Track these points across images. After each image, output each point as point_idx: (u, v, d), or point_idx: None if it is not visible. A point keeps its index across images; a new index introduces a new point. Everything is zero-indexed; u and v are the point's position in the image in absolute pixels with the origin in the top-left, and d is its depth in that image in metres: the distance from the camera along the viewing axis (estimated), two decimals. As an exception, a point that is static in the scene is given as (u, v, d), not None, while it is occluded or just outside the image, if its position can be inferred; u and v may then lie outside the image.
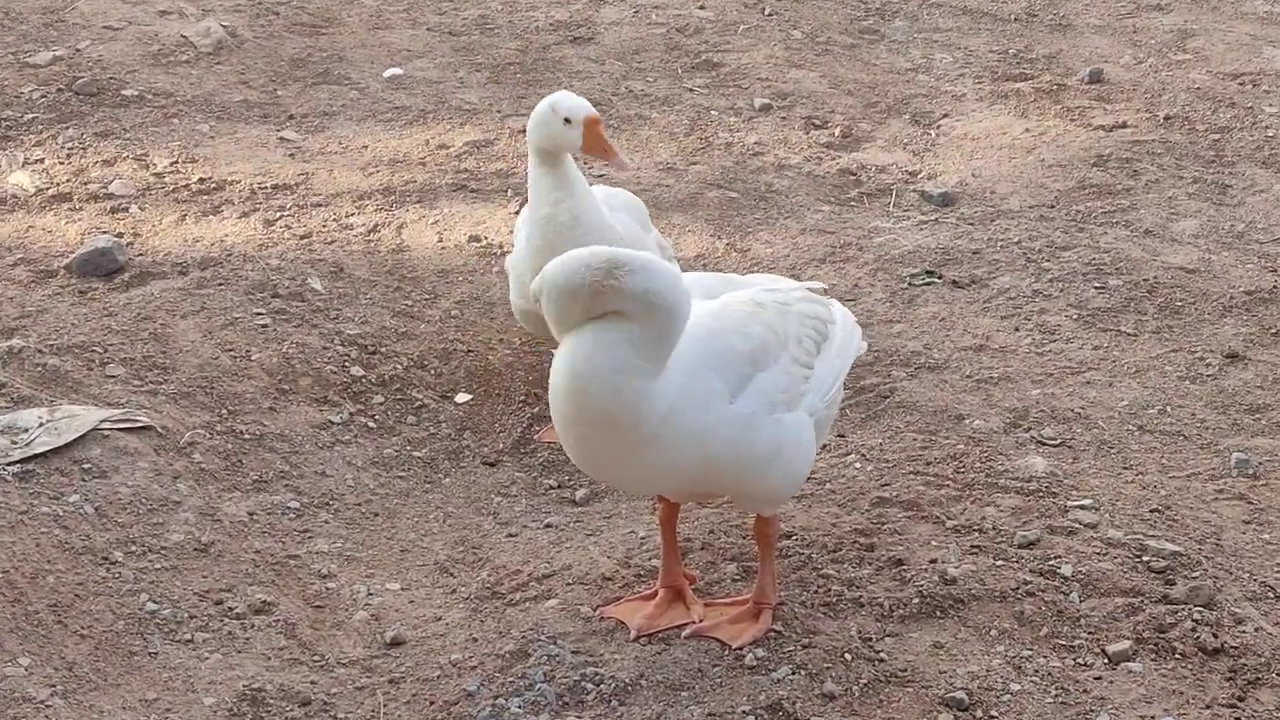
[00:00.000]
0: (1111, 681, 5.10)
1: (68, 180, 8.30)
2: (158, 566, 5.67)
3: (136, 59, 9.74)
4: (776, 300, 5.17)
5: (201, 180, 8.39)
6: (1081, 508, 5.90)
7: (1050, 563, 5.57)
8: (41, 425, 6.10)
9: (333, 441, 6.55)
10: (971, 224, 8.32)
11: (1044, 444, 6.44)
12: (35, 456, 5.97)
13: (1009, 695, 5.02)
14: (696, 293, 5.08)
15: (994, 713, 4.96)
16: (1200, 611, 5.33)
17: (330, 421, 6.63)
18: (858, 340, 5.62)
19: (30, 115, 8.95)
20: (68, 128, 8.85)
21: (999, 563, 5.58)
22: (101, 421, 6.15)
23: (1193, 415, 6.71)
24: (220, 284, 7.27)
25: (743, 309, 5.07)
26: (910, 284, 7.73)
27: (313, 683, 5.27)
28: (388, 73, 9.86)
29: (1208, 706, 4.98)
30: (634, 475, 5.02)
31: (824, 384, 5.28)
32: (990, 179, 8.85)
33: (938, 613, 5.38)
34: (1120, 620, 5.34)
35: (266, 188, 8.35)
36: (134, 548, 5.71)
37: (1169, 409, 6.75)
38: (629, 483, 5.25)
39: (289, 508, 6.15)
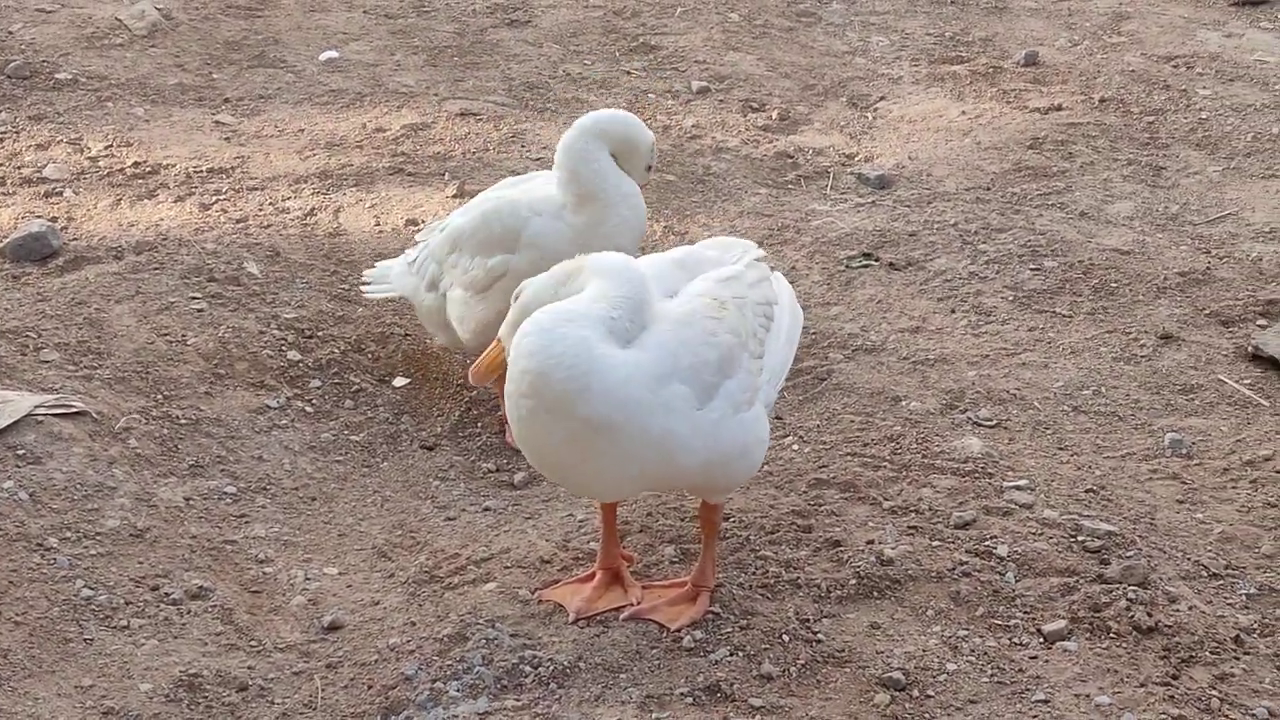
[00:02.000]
0: (1047, 660, 5.13)
1: (0, 164, 8.23)
2: (93, 552, 5.63)
3: (70, 42, 9.66)
4: (735, 296, 5.16)
5: (136, 164, 8.33)
6: (1017, 488, 5.93)
7: (986, 543, 5.60)
8: (-25, 411, 6.06)
9: (270, 426, 6.52)
10: (908, 206, 8.35)
11: (980, 425, 6.47)
12: (-31, 442, 5.93)
13: (945, 675, 5.05)
14: (652, 286, 5.10)
15: (930, 692, 4.99)
16: (1135, 591, 5.36)
17: (267, 406, 6.60)
18: (799, 320, 5.65)
19: (-38, 99, 8.90)
20: (0, 112, 8.77)
21: (935, 543, 5.60)
22: (36, 407, 6.11)
23: (1127, 396, 6.76)
24: (155, 268, 7.23)
25: (709, 315, 5.04)
26: (847, 266, 7.75)
27: (250, 668, 5.25)
28: (324, 56, 9.82)
29: (1142, 685, 5.01)
30: (601, 477, 4.96)
31: (775, 374, 5.32)
32: (927, 161, 8.88)
33: (875, 593, 5.40)
34: (1055, 600, 5.37)
35: (202, 171, 8.31)
36: (69, 534, 5.67)
37: (1104, 390, 6.79)
38: (598, 485, 5.09)
39: (226, 493, 6.12)
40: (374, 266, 7.01)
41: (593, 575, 5.44)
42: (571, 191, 6.28)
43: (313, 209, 7.98)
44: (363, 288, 6.98)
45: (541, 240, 6.25)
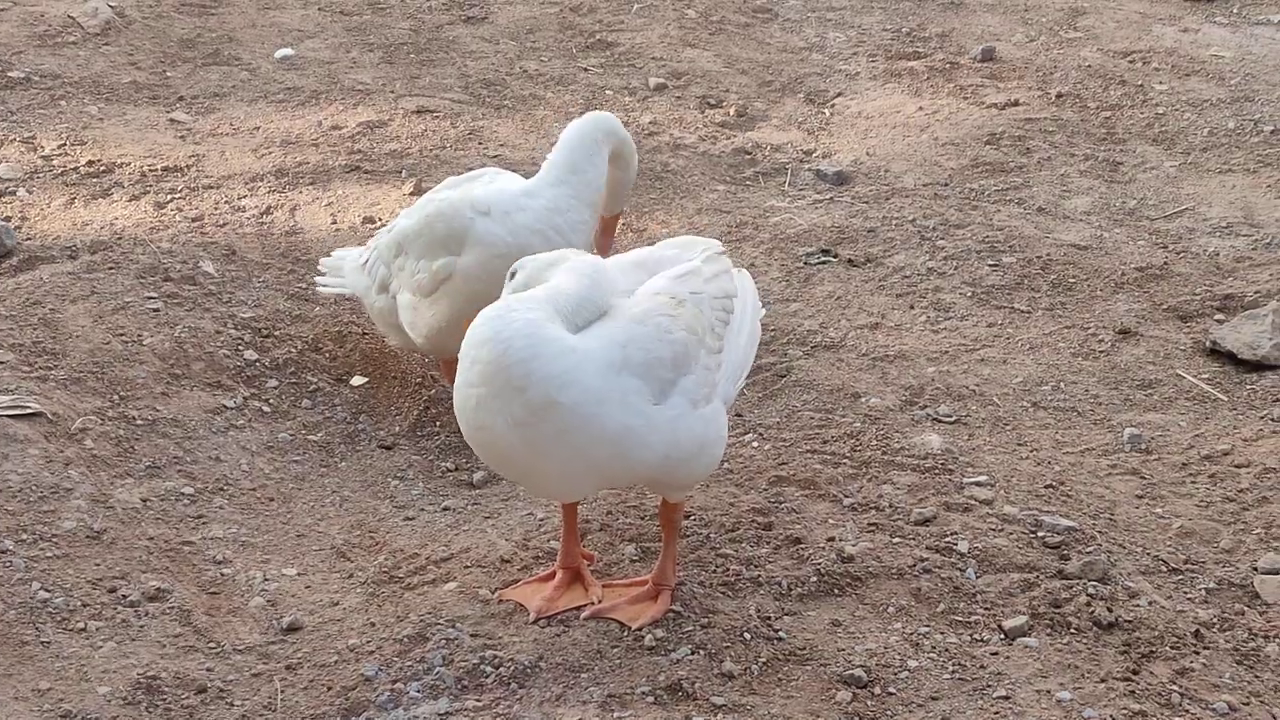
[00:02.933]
0: (1008, 656, 5.13)
1: (-47, 163, 8.19)
2: (49, 554, 5.59)
3: (22, 40, 9.60)
4: (692, 292, 5.15)
5: (91, 163, 8.28)
6: (977, 484, 5.93)
7: (946, 539, 5.60)
8: (-72, 413, 6.02)
9: (227, 426, 6.48)
10: (866, 202, 8.35)
11: (940, 421, 6.47)
12: (-78, 444, 5.88)
13: (907, 672, 5.04)
14: (611, 292, 5.11)
15: (892, 689, 4.98)
16: (1095, 586, 5.37)
17: (224, 406, 6.57)
18: (759, 315, 5.64)
19: (-86, 97, 8.83)
20: (-47, 110, 8.73)
21: (896, 540, 5.60)
22: (-10, 408, 6.07)
23: (1086, 391, 6.77)
24: (111, 268, 7.18)
25: (664, 312, 5.01)
26: (806, 263, 7.75)
27: (209, 670, 5.22)
28: (279, 53, 9.77)
29: (1103, 680, 5.02)
30: (559, 471, 4.93)
31: (735, 370, 5.30)
32: (884, 157, 8.88)
33: (836, 591, 5.40)
34: (1016, 595, 5.37)
35: (157, 170, 8.26)
36: (25, 535, 5.62)
37: (1062, 385, 6.80)
38: (555, 482, 5.05)
39: (183, 494, 6.08)
40: (329, 255, 6.97)
41: (553, 574, 5.42)
42: (566, 167, 6.28)
43: (269, 207, 7.94)
44: (317, 279, 6.94)
45: (487, 239, 6.22)
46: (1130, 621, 5.26)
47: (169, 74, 9.43)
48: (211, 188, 8.12)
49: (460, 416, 4.93)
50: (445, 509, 6.12)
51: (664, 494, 5.26)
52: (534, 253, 5.46)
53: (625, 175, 6.51)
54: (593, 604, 5.30)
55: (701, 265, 5.30)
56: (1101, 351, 7.05)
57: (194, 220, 7.76)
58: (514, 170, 6.98)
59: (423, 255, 6.33)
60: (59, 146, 8.43)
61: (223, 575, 5.72)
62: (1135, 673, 5.06)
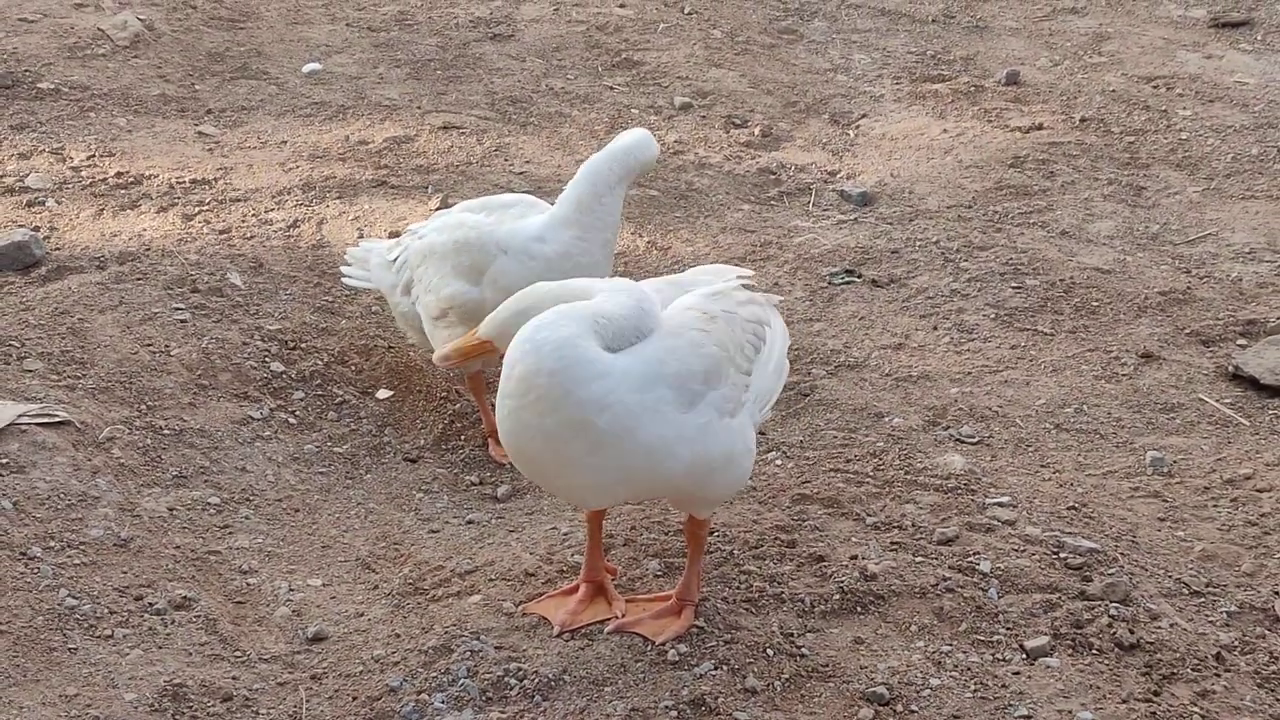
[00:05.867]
0: (1029, 676, 5.15)
1: (-17, 173, 8.24)
2: (77, 562, 5.62)
3: (52, 52, 9.66)
4: (725, 309, 5.18)
5: (119, 174, 8.33)
6: (1000, 505, 5.95)
7: (969, 559, 5.62)
8: (-42, 420, 6.05)
9: (253, 437, 6.52)
10: (890, 224, 8.38)
11: (962, 442, 6.49)
12: (-48, 451, 5.92)
13: (929, 690, 5.06)
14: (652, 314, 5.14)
15: (914, 707, 5.00)
16: (1116, 607, 5.39)
17: (250, 417, 6.60)
18: (787, 345, 5.63)
19: (-55, 107, 8.89)
20: (-17, 120, 8.78)
21: (918, 559, 5.62)
22: (19, 416, 6.10)
23: (1109, 414, 6.79)
24: (139, 279, 7.23)
25: (698, 327, 5.05)
26: (830, 283, 7.78)
27: (234, 678, 5.25)
28: (307, 68, 9.83)
29: (1124, 701, 5.03)
30: (591, 482, 4.94)
31: (761, 397, 5.30)
32: (909, 179, 8.91)
33: (858, 609, 5.42)
34: (1038, 616, 5.39)
35: (185, 182, 8.30)
36: (53, 543, 5.66)
37: (1085, 408, 6.82)
38: (585, 491, 5.05)
39: (209, 503, 6.12)
40: (357, 244, 7.00)
41: (577, 588, 5.44)
42: (576, 206, 6.27)
43: (296, 221, 7.98)
44: (343, 268, 6.97)
45: (502, 280, 6.25)
46: (1152, 643, 5.27)
47: (197, 87, 9.48)
48: (239, 200, 8.17)
49: (499, 424, 4.96)
50: (470, 522, 6.15)
51: (692, 510, 5.28)
52: None
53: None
54: (617, 618, 5.32)
55: (732, 290, 5.33)
56: (1124, 375, 7.07)
57: (221, 232, 7.81)
58: (540, 188, 7.03)
59: (442, 274, 6.36)
60: (88, 158, 8.48)
61: (248, 585, 5.75)
62: (1156, 694, 5.08)
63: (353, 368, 6.98)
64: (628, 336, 4.95)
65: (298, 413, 6.72)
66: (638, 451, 4.83)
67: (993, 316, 7.48)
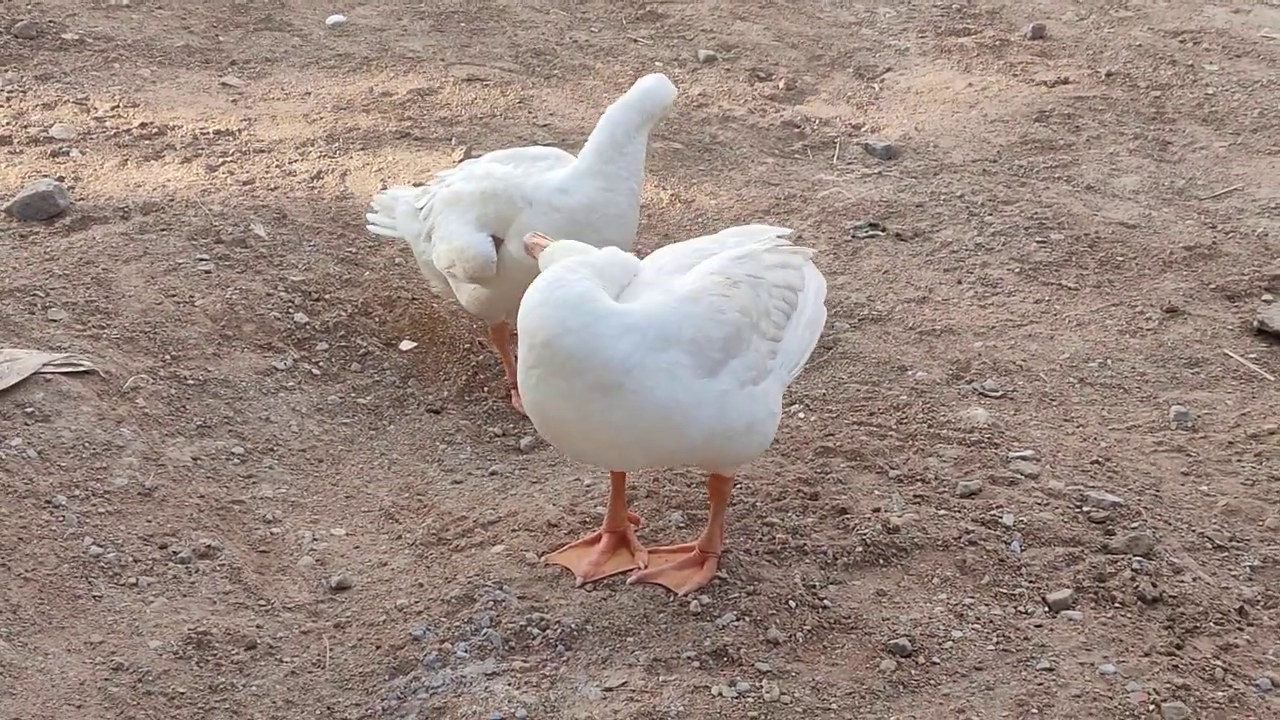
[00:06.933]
0: (1052, 629, 5.15)
1: (7, 123, 8.23)
2: (101, 510, 5.64)
3: (76, 3, 9.65)
4: (750, 274, 5.12)
5: (143, 125, 8.33)
6: (1023, 458, 5.95)
7: (992, 512, 5.62)
8: (-17, 368, 6.07)
9: (277, 388, 6.53)
10: (915, 177, 8.36)
11: (986, 395, 6.48)
12: (-23, 400, 5.94)
13: (951, 642, 5.07)
14: (671, 270, 5.14)
15: (936, 659, 5.01)
16: (1139, 561, 5.38)
17: (274, 368, 6.61)
18: (822, 312, 5.59)
19: (-31, 58, 8.88)
20: (6, 71, 8.77)
21: (941, 512, 5.62)
22: (44, 365, 6.12)
23: (1132, 369, 6.78)
24: (163, 229, 7.23)
25: (719, 291, 4.99)
26: (854, 236, 7.76)
27: (258, 626, 5.27)
28: (330, 20, 9.81)
29: (1146, 654, 5.03)
30: (605, 443, 4.94)
31: (791, 358, 5.26)
32: (933, 133, 8.88)
33: (881, 561, 5.42)
34: (1060, 569, 5.39)
35: (209, 133, 8.30)
36: (77, 491, 5.68)
37: (1109, 362, 6.80)
38: (604, 452, 5.06)
39: (233, 453, 6.13)
40: (383, 191, 6.99)
41: (599, 538, 5.45)
42: (597, 155, 6.24)
43: (320, 172, 7.98)
44: (368, 215, 6.96)
45: (527, 233, 6.24)
46: (1175, 597, 5.27)
47: (221, 38, 9.47)
48: (263, 152, 8.16)
49: (524, 397, 4.97)
50: (493, 473, 6.16)
51: (715, 470, 5.27)
52: None
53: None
54: (639, 569, 5.33)
55: (763, 252, 5.28)
56: (1149, 330, 7.05)
57: (245, 184, 7.81)
58: (564, 140, 7.01)
59: (464, 222, 6.33)
60: (112, 108, 8.48)
61: (272, 534, 5.77)
62: (1179, 647, 5.08)
63: (376, 319, 6.99)
64: (623, 277, 4.97)
65: (321, 364, 6.73)
66: (655, 414, 4.81)
67: (1017, 271, 7.46)
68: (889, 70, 9.67)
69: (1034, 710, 4.80)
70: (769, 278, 5.18)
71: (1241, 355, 6.87)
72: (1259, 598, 5.37)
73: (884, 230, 7.80)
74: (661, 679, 4.89)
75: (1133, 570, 5.35)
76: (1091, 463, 6.00)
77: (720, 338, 4.92)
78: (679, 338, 4.84)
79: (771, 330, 5.11)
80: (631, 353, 4.77)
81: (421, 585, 5.41)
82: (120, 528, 5.60)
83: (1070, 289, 7.34)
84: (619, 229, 6.22)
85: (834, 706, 4.83)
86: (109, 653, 5.08)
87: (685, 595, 5.23)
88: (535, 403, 4.93)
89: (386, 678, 5.02)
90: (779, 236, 5.43)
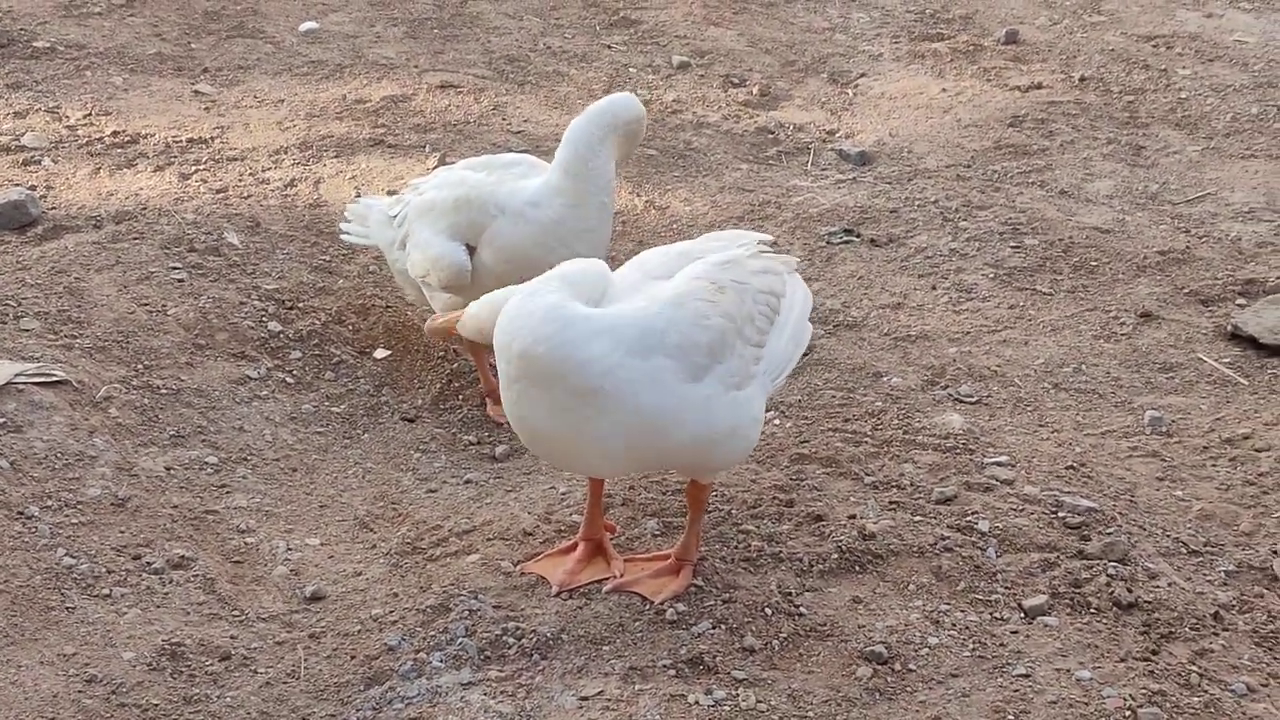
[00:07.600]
0: (1028, 635, 5.14)
1: (-21, 132, 8.21)
2: (74, 521, 5.62)
3: (48, 10, 9.62)
4: (735, 279, 5.11)
5: (115, 133, 8.30)
6: (998, 464, 5.95)
7: (967, 519, 5.62)
8: (-45, 379, 6.04)
9: (250, 397, 6.51)
10: (889, 183, 8.36)
11: (961, 401, 6.48)
12: (-51, 410, 5.91)
13: (927, 649, 5.06)
14: (656, 274, 5.13)
15: (912, 666, 5.00)
16: (1115, 567, 5.38)
17: (248, 377, 6.59)
18: (808, 327, 5.57)
19: (-60, 66, 8.85)
20: (-22, 79, 8.75)
21: (917, 518, 5.62)
22: (16, 375, 6.09)
23: (1107, 374, 6.78)
24: (135, 238, 7.21)
25: (703, 297, 4.98)
26: (828, 242, 7.76)
27: (233, 637, 5.25)
28: (303, 26, 9.79)
29: (1122, 660, 5.03)
30: (592, 450, 4.93)
31: (774, 364, 5.25)
32: (907, 138, 8.89)
33: (856, 568, 5.41)
34: (1036, 575, 5.39)
35: (181, 141, 8.28)
36: (50, 502, 5.65)
37: (1084, 367, 6.81)
38: (591, 459, 5.04)
39: (207, 463, 6.11)
40: (357, 200, 6.96)
41: (575, 546, 5.44)
42: (564, 172, 6.22)
43: (293, 180, 7.96)
44: (342, 224, 6.94)
45: (498, 242, 6.24)
46: (1150, 602, 5.27)
47: (193, 46, 9.44)
48: (236, 159, 8.14)
49: (508, 411, 4.96)
50: (467, 482, 6.14)
51: (695, 476, 5.27)
52: (539, 261, 5.52)
53: (628, 149, 6.45)
54: (615, 577, 5.32)
55: (747, 258, 5.28)
56: (1123, 334, 7.06)
57: (218, 192, 7.78)
58: (538, 147, 7.00)
59: (436, 231, 6.32)
60: (84, 116, 8.45)
61: (246, 544, 5.75)
62: (1155, 653, 5.08)
63: (350, 327, 6.97)
64: (598, 285, 4.96)
65: (295, 372, 6.71)
66: (641, 419, 4.81)
67: (991, 276, 7.46)
68: (863, 76, 9.68)
69: (1010, 716, 4.80)
70: (754, 283, 5.17)
71: (1215, 360, 6.88)
72: (1234, 602, 5.37)
73: (858, 236, 7.80)
74: (637, 688, 4.88)
75: (1108, 576, 5.35)
76: (1066, 468, 6.00)
77: (705, 343, 4.91)
78: (664, 343, 4.84)
79: (755, 336, 5.11)
80: (605, 355, 4.76)
81: (396, 595, 5.39)
82: (93, 538, 5.57)
83: (1044, 294, 7.35)
84: (590, 243, 6.20)
85: (810, 714, 4.82)
86: (82, 664, 5.06)
87: (661, 603, 5.21)
88: (520, 417, 4.93)
89: (362, 688, 5.00)
90: (760, 242, 5.43)
